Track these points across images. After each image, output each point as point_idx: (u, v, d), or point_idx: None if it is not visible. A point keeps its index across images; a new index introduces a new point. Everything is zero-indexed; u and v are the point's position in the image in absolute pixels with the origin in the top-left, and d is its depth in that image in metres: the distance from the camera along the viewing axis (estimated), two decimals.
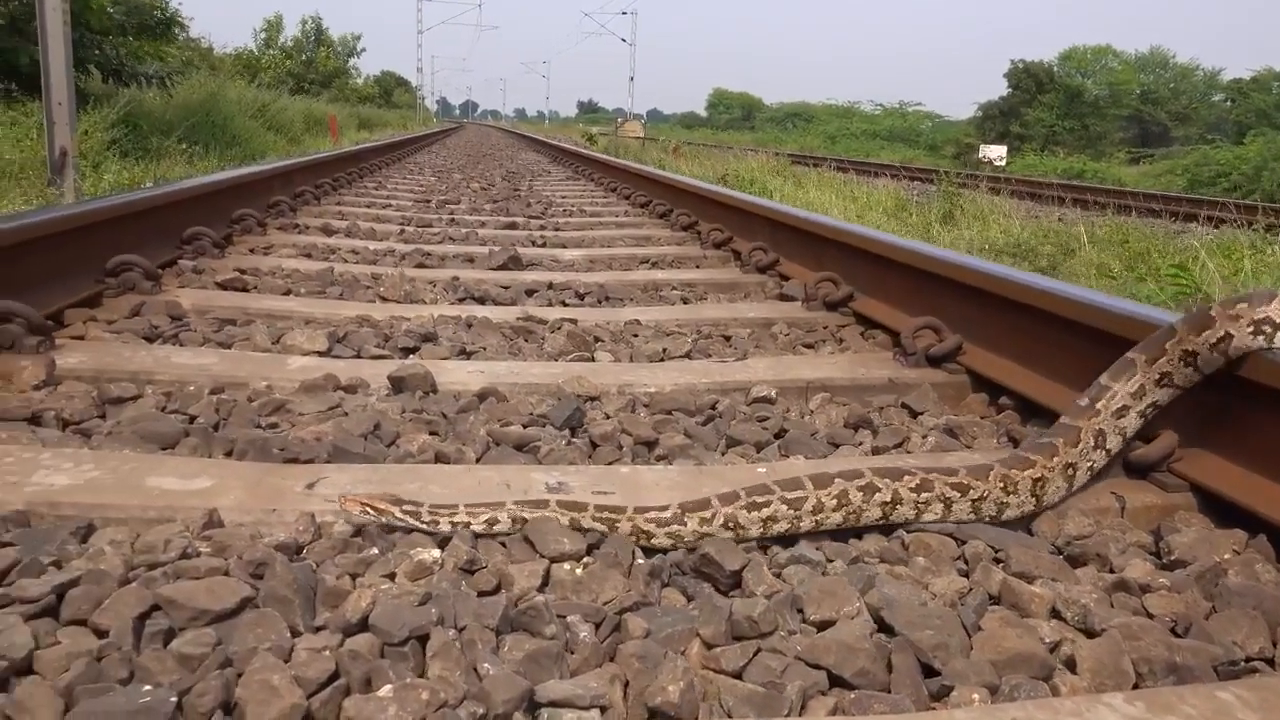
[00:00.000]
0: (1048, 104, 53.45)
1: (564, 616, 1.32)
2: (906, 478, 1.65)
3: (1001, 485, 1.68)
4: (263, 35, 48.13)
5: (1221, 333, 1.77)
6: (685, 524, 1.55)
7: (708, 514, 1.56)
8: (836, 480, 1.62)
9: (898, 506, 1.64)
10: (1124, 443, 1.83)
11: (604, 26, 65.20)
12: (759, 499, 1.58)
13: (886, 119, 65.71)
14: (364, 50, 56.61)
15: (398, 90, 76.16)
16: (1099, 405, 1.79)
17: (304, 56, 48.98)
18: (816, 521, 1.61)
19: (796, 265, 4.09)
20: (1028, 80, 54.69)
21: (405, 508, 1.55)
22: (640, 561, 1.50)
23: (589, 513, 1.56)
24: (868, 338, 3.15)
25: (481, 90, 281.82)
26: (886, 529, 1.67)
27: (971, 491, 1.67)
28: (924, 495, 1.65)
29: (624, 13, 63.46)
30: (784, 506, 1.59)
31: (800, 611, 1.38)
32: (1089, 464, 1.77)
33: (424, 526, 1.55)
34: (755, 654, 1.26)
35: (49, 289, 2.77)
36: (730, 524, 1.57)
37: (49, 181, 8.53)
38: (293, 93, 29.78)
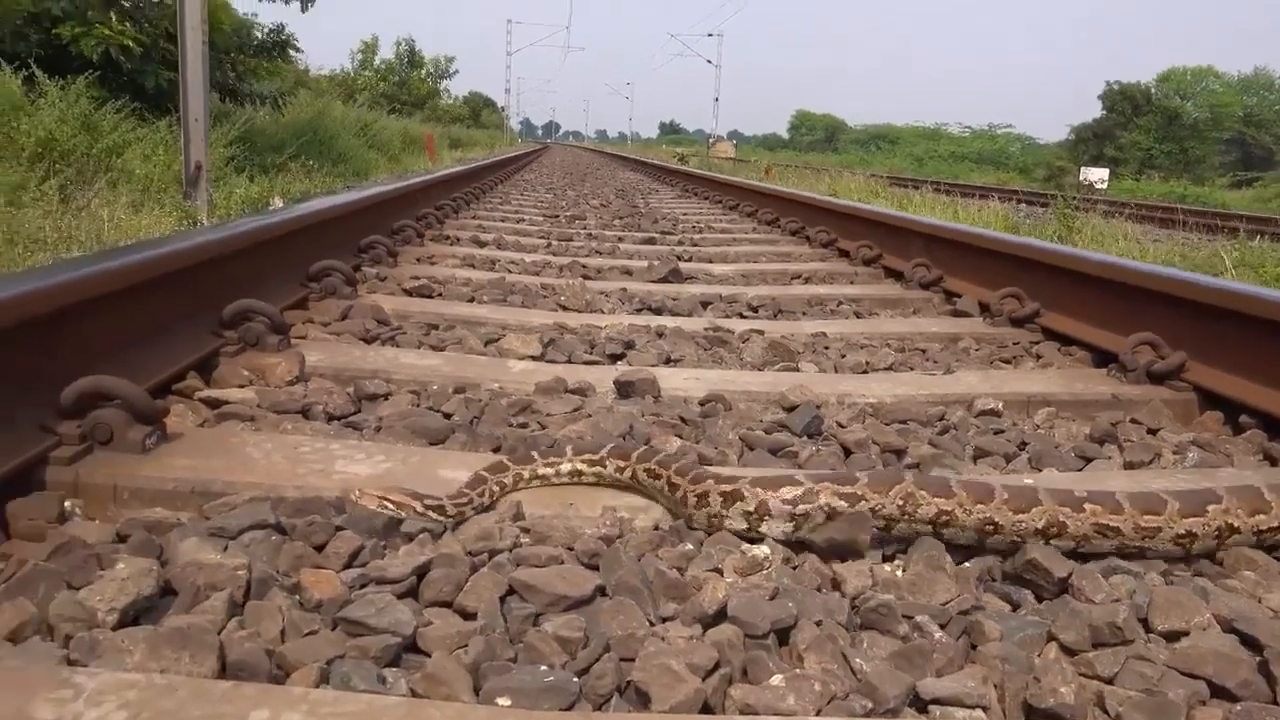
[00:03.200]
0: (1144, 127, 52.04)
1: (910, 616, 1.32)
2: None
3: None
4: (359, 57, 49.38)
5: None
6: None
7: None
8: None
9: None
10: None
11: (690, 48, 65.63)
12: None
13: (975, 141, 64.76)
14: (456, 72, 57.67)
15: (485, 111, 77.52)
16: None
17: (397, 78, 50.09)
18: None
19: (964, 281, 4.03)
20: (1123, 102, 53.40)
21: (427, 501, 1.51)
22: (967, 565, 1.49)
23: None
24: (1065, 353, 3.09)
25: (564, 111, 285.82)
26: None
27: None
28: None
29: (710, 34, 63.79)
30: None
31: (1143, 621, 1.35)
32: None
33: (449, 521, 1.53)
34: (1124, 661, 1.23)
35: (271, 291, 2.86)
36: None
37: (184, 195, 8.85)
38: (388, 113, 30.51)
